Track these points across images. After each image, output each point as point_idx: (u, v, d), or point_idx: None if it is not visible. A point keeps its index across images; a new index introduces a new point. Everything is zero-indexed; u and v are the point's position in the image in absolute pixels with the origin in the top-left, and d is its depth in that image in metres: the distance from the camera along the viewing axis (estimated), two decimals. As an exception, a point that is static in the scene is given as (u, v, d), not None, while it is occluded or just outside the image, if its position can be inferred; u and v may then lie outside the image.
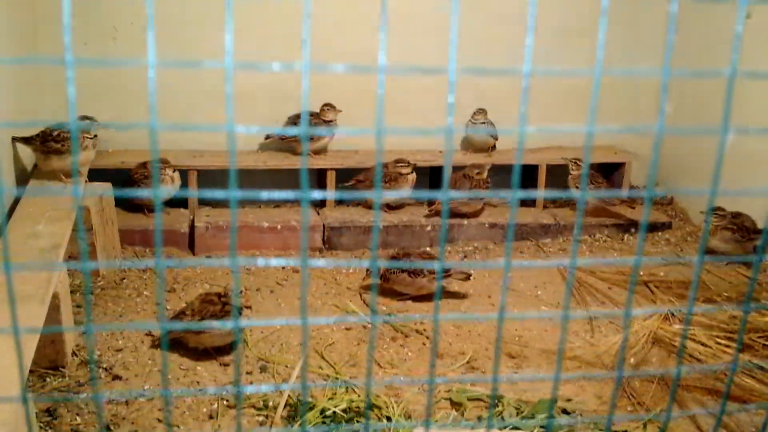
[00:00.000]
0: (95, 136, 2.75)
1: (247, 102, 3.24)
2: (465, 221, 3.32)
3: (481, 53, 3.46)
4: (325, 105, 3.39)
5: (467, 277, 2.71)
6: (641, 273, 2.96)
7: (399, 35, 3.38)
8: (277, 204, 3.53)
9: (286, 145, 3.49)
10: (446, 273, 2.66)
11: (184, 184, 3.17)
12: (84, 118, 2.73)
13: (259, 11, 3.28)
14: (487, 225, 3.33)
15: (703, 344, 2.38)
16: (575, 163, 3.40)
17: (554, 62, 3.56)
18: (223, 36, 0.67)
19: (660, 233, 3.44)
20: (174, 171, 3.03)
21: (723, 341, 2.39)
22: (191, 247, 3.04)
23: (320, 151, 3.49)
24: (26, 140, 2.69)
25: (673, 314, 2.62)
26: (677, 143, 3.62)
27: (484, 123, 3.52)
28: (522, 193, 0.83)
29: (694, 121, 3.51)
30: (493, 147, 3.65)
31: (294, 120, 3.36)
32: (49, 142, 2.66)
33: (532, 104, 3.61)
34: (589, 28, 3.46)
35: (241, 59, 0.64)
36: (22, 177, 2.78)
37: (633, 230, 3.44)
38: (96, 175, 2.98)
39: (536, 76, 0.73)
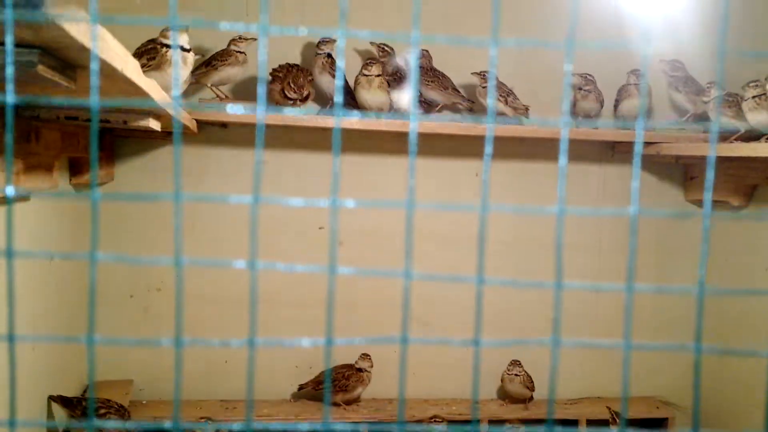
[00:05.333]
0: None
1: (281, 352, 3.30)
2: (503, 484, 3.18)
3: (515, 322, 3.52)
4: (363, 354, 3.40)
5: None
6: None
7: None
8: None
9: (318, 394, 3.47)
10: None
11: (215, 437, 3.14)
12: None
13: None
14: (526, 488, 3.18)
15: None
16: (613, 417, 3.28)
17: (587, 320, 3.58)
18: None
19: (712, 501, 3.23)
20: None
21: None
22: None
23: (353, 402, 3.45)
24: (65, 402, 2.71)
25: None
26: (725, 392, 3.51)
27: (518, 375, 3.48)
28: None
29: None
30: (531, 398, 3.57)
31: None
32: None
33: (568, 352, 3.60)
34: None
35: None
36: (54, 436, 2.78)
37: (683, 495, 3.24)
38: (128, 429, 2.98)
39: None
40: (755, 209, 3.30)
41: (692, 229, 3.62)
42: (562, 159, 0.69)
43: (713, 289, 0.94)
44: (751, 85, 2.51)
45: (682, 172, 3.62)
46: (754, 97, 2.51)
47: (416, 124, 0.69)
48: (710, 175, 0.88)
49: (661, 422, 3.56)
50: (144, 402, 3.33)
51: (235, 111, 0.69)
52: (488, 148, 0.86)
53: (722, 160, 3.06)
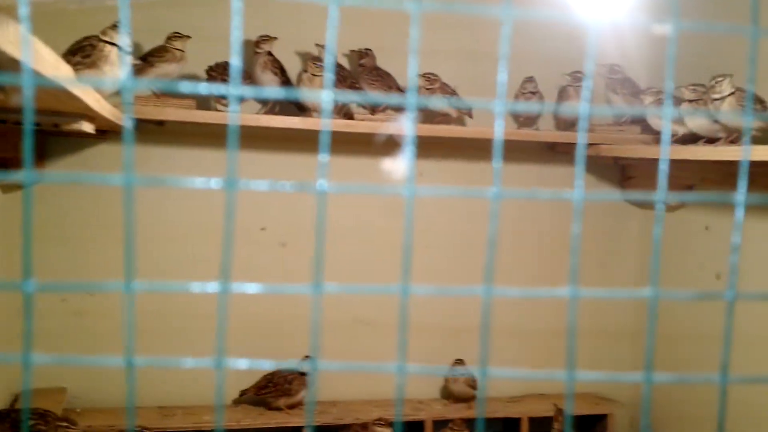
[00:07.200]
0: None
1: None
2: (448, 485, 3.17)
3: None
4: (306, 356, 3.35)
5: None
6: None
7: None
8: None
9: (260, 398, 3.40)
10: None
11: (154, 446, 3.04)
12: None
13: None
14: (470, 488, 3.18)
15: None
16: (556, 418, 3.33)
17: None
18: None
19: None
20: (145, 440, 2.91)
21: None
22: None
23: (295, 405, 3.39)
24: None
25: None
26: (670, 388, 3.59)
27: (463, 374, 3.48)
28: None
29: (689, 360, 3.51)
30: (474, 397, 3.59)
31: (270, 378, 3.30)
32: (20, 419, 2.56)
33: (512, 348, 3.62)
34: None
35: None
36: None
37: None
38: (60, 441, 2.85)
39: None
40: (690, 210, 3.38)
41: (631, 228, 3.69)
42: (576, 226, 0.66)
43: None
44: (690, 88, 2.56)
45: (620, 172, 3.68)
46: (691, 101, 2.56)
47: (413, 199, 0.65)
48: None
49: (601, 418, 3.62)
50: (78, 410, 3.19)
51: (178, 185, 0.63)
52: (494, 215, 0.83)
53: (659, 161, 3.12)
